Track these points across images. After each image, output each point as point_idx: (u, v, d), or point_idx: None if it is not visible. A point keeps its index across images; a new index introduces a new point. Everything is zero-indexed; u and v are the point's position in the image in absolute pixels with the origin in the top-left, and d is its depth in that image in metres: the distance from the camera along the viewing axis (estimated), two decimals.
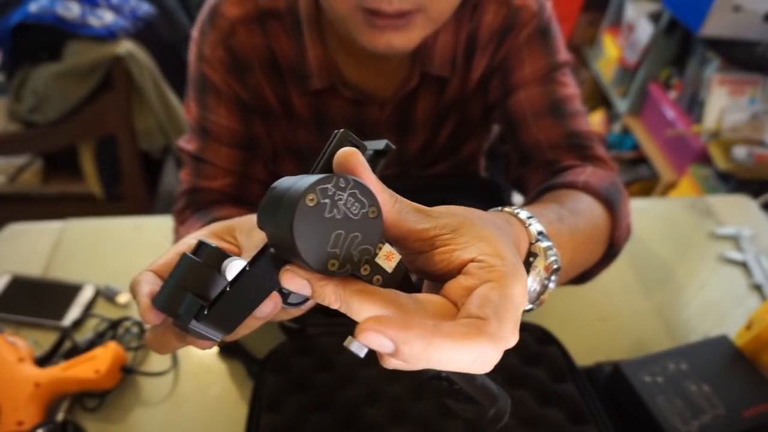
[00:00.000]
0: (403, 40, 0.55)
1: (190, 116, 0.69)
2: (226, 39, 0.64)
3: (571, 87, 0.69)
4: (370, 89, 0.69)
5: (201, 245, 0.36)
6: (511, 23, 0.68)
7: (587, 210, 0.54)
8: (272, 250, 0.29)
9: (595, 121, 2.47)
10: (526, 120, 0.67)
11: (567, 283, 0.56)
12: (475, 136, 0.82)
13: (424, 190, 0.83)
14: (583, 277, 0.59)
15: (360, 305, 0.26)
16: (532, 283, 0.39)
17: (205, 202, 0.68)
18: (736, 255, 0.84)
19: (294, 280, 0.27)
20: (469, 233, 0.29)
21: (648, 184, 2.10)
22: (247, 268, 0.30)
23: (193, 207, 0.68)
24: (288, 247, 0.25)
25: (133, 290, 0.37)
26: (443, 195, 0.81)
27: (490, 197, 0.81)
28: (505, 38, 0.69)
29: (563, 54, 0.69)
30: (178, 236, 0.67)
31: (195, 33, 0.67)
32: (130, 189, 1.74)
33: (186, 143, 0.70)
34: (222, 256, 0.36)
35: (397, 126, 0.73)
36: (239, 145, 0.68)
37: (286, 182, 0.28)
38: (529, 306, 0.39)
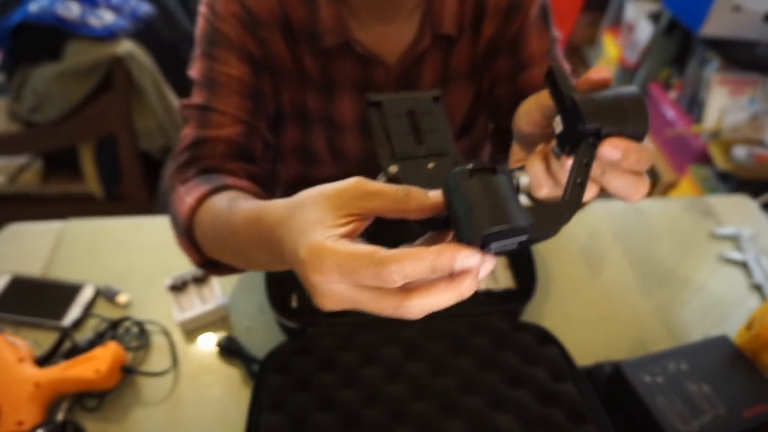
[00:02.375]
0: None
1: (195, 73, 0.68)
2: None
3: (566, 62, 0.75)
4: (378, 52, 0.70)
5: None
6: (516, 3, 0.72)
7: None
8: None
9: None
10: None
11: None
12: (484, 115, 0.84)
13: None
14: None
15: None
16: None
17: (210, 158, 0.64)
18: (736, 255, 0.84)
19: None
20: None
21: None
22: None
23: (196, 165, 0.63)
24: None
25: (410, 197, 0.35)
26: None
27: None
28: (514, 17, 0.72)
29: (556, 31, 0.76)
30: (176, 197, 0.60)
31: None
32: (130, 189, 1.74)
33: (190, 100, 0.68)
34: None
35: (404, 90, 0.74)
36: (248, 96, 0.68)
37: None
38: None
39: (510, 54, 0.75)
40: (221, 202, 0.54)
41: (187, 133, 0.66)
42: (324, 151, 0.81)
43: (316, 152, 0.81)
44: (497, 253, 0.33)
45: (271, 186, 0.82)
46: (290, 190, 0.89)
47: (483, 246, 0.32)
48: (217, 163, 0.64)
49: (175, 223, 0.60)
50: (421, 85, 0.75)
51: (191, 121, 0.66)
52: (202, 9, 0.68)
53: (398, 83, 0.74)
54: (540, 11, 0.73)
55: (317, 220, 0.36)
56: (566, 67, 0.75)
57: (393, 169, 0.39)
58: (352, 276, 0.33)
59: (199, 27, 0.68)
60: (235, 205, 0.49)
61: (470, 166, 0.32)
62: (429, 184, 0.35)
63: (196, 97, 0.67)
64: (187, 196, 0.58)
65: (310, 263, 0.34)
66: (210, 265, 0.59)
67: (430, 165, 0.40)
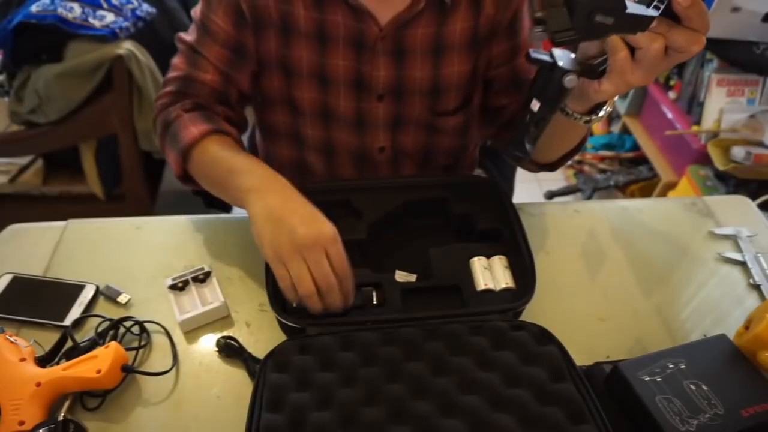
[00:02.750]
0: None
1: (196, 14, 0.78)
2: None
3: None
4: (372, 10, 0.74)
5: None
6: None
7: None
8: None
9: None
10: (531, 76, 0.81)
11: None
12: (478, 94, 0.88)
13: (425, 190, 0.83)
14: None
15: None
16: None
17: (198, 96, 0.78)
18: (735, 255, 0.84)
19: None
20: None
21: (647, 185, 2.10)
22: None
23: (191, 98, 0.78)
24: None
25: None
26: (443, 195, 0.81)
27: (490, 198, 0.82)
28: (508, 4, 0.78)
29: None
30: (182, 122, 0.75)
31: None
32: (131, 189, 1.74)
33: (186, 35, 0.79)
34: None
35: (395, 50, 0.78)
36: (230, 47, 0.77)
37: None
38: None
39: (507, 38, 0.81)
40: (226, 143, 0.74)
41: (178, 65, 0.80)
42: (313, 107, 0.84)
43: (302, 106, 0.84)
44: (598, 30, 0.49)
45: (240, 129, 0.90)
46: (283, 139, 0.94)
47: (590, 14, 0.48)
48: (206, 102, 0.78)
49: (173, 139, 0.75)
50: (413, 47, 0.79)
51: (182, 55, 0.80)
52: None
53: (390, 42, 0.77)
54: None
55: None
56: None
57: (539, 14, 0.50)
58: (336, 264, 0.60)
59: None
60: (242, 152, 0.73)
61: None
62: (565, 17, 0.49)
63: (191, 34, 0.79)
64: (192, 125, 0.74)
65: (321, 232, 0.61)
66: (185, 177, 0.78)
67: (565, 9, 0.50)
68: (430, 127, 0.88)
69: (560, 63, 0.57)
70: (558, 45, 0.53)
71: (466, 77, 0.83)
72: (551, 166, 0.85)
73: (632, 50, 0.55)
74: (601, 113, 0.67)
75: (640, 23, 0.51)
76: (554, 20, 0.51)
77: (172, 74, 0.80)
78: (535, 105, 0.60)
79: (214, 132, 0.74)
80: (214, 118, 0.76)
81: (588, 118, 0.67)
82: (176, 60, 0.80)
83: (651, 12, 0.50)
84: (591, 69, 0.58)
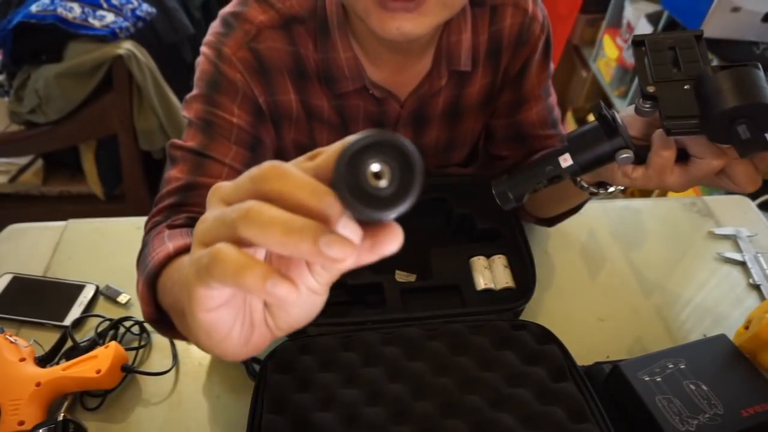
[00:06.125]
0: (414, 24, 0.55)
1: (192, 114, 0.65)
2: (251, 41, 0.64)
3: (554, 94, 0.79)
4: (392, 87, 0.70)
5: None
6: (525, 35, 0.72)
7: None
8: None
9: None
10: (536, 132, 0.77)
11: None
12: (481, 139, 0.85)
13: (425, 190, 0.83)
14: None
15: None
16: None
17: (201, 205, 0.63)
18: (734, 255, 0.84)
19: None
20: None
21: None
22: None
23: (187, 212, 0.63)
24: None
25: None
26: (443, 195, 0.81)
27: (490, 198, 0.81)
28: (521, 49, 0.73)
29: (551, 63, 0.77)
30: (158, 238, 0.57)
31: (209, 36, 0.65)
32: (131, 189, 1.74)
33: (184, 141, 0.65)
34: None
35: (416, 119, 0.75)
36: (247, 145, 0.67)
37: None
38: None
39: (513, 89, 0.76)
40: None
41: (176, 176, 0.63)
42: None
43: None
44: (749, 143, 0.39)
45: None
46: None
47: (731, 123, 0.39)
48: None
49: (143, 263, 0.56)
50: (433, 115, 0.75)
51: (181, 163, 0.64)
52: (205, 50, 0.65)
53: (411, 116, 0.74)
54: (544, 46, 0.73)
55: None
56: (553, 96, 0.79)
57: (650, 89, 0.44)
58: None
59: (201, 68, 0.65)
60: None
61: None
62: (684, 102, 0.42)
63: (191, 140, 0.64)
64: (170, 241, 0.55)
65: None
66: (158, 321, 0.54)
67: (687, 87, 0.44)
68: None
69: (622, 134, 0.48)
70: (670, 134, 0.44)
71: (478, 133, 0.81)
72: (549, 221, 0.79)
73: (681, 152, 0.47)
74: (611, 189, 0.61)
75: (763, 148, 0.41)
76: (671, 101, 0.42)
77: (167, 188, 0.64)
78: (566, 161, 0.51)
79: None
80: None
81: (596, 191, 0.61)
82: (172, 171, 0.64)
83: None
84: (637, 152, 0.49)
